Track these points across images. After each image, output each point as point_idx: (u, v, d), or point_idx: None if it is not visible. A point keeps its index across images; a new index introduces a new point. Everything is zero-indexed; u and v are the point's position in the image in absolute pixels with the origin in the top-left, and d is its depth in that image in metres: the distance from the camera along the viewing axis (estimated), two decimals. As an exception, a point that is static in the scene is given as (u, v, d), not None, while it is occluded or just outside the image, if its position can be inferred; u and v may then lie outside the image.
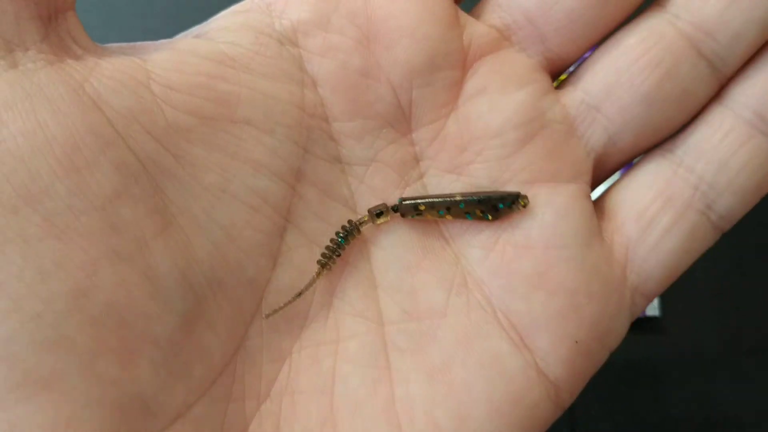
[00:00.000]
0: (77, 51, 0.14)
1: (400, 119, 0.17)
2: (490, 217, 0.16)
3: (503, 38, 0.17)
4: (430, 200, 0.16)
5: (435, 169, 0.17)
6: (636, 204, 0.17)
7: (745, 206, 0.16)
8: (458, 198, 0.16)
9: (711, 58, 0.16)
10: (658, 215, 0.16)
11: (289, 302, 0.16)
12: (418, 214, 0.16)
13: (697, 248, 0.17)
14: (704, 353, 0.32)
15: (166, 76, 0.15)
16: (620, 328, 0.17)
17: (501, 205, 0.16)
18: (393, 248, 0.17)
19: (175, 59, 0.15)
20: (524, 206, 0.16)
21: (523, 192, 0.16)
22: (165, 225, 0.14)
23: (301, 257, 0.16)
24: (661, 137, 0.17)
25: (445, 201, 0.16)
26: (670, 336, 0.32)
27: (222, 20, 0.16)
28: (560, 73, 0.18)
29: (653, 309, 0.32)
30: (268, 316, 0.16)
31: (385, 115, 0.16)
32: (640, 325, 0.32)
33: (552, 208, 0.16)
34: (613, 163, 0.17)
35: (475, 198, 0.16)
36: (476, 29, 0.17)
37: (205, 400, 0.15)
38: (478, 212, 0.16)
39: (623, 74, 0.16)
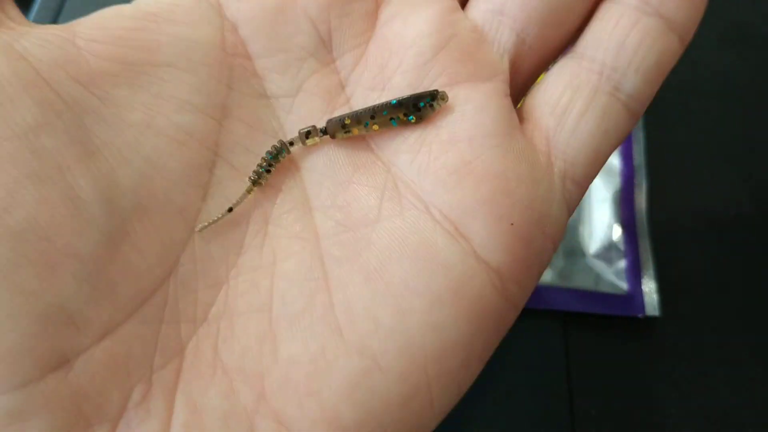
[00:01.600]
0: (11, 24, 0.15)
1: (321, 50, 0.18)
2: (414, 119, 0.17)
3: None
4: (354, 113, 0.17)
5: (360, 90, 0.18)
6: (549, 98, 0.18)
7: (650, 84, 0.18)
8: (380, 105, 0.17)
9: None
10: (571, 103, 0.17)
11: (221, 217, 0.16)
12: (346, 132, 0.17)
13: (614, 129, 0.17)
14: (704, 353, 0.32)
15: (90, 33, 0.16)
16: (557, 213, 0.17)
17: (422, 104, 0.17)
18: (324, 168, 0.17)
19: (100, 20, 0.16)
20: (444, 100, 0.17)
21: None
22: (87, 154, 0.15)
23: (232, 188, 0.17)
24: (564, 30, 0.18)
25: (368, 110, 0.17)
26: (670, 336, 0.32)
27: None
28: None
29: (653, 309, 0.32)
30: (200, 229, 0.16)
31: (306, 47, 0.18)
32: (640, 325, 0.32)
33: (472, 104, 0.17)
34: (528, 65, 0.18)
35: (396, 101, 0.17)
36: None
37: (134, 319, 0.15)
38: (401, 116, 0.17)
39: None
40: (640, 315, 0.32)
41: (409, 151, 0.17)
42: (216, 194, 0.17)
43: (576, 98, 0.17)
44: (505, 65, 0.18)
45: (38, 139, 0.14)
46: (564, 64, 0.18)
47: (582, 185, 0.18)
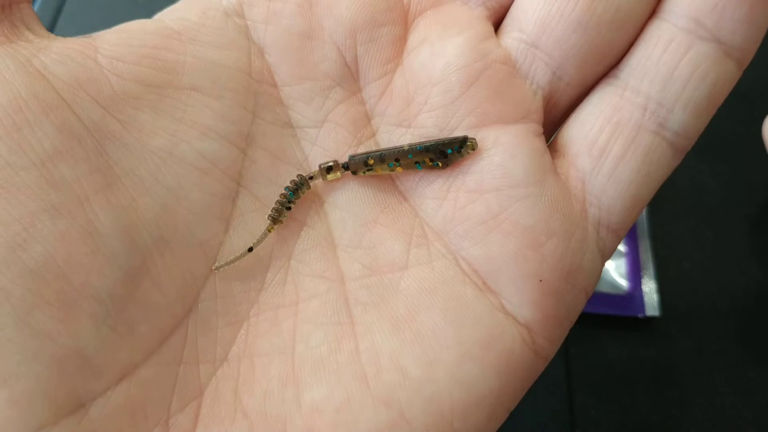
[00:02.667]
0: (29, 36, 0.15)
1: (348, 78, 0.17)
2: (440, 165, 0.16)
3: None
4: (378, 153, 0.16)
5: (386, 125, 0.17)
6: (586, 135, 0.16)
7: (700, 119, 0.16)
8: (406, 148, 0.16)
9: None
10: (609, 143, 0.16)
11: (239, 257, 0.16)
12: (369, 170, 0.16)
13: (657, 171, 0.16)
14: (704, 353, 0.32)
15: (112, 50, 0.15)
16: (589, 265, 0.16)
17: (449, 150, 0.16)
18: (349, 206, 0.17)
19: (123, 35, 0.16)
20: (473, 149, 0.16)
21: (470, 136, 0.16)
22: (108, 184, 0.14)
23: (255, 221, 0.16)
24: (606, 64, 0.17)
25: (393, 152, 0.16)
26: (670, 336, 0.32)
27: (174, 5, 0.17)
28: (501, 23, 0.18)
29: (653, 309, 0.32)
30: (216, 268, 0.16)
31: (332, 74, 0.17)
32: (640, 325, 0.32)
33: (500, 149, 0.16)
34: (564, 101, 0.17)
35: (423, 146, 0.16)
36: None
37: (153, 360, 0.14)
38: (427, 161, 0.16)
39: (552, 5, 0.16)
40: (640, 315, 0.32)
41: (434, 197, 0.16)
42: (238, 227, 0.16)
43: (616, 137, 0.16)
44: (538, 103, 0.17)
45: (57, 168, 0.13)
46: (604, 92, 0.16)
47: (619, 233, 0.16)
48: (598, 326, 0.32)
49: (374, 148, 0.17)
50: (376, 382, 0.15)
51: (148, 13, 0.16)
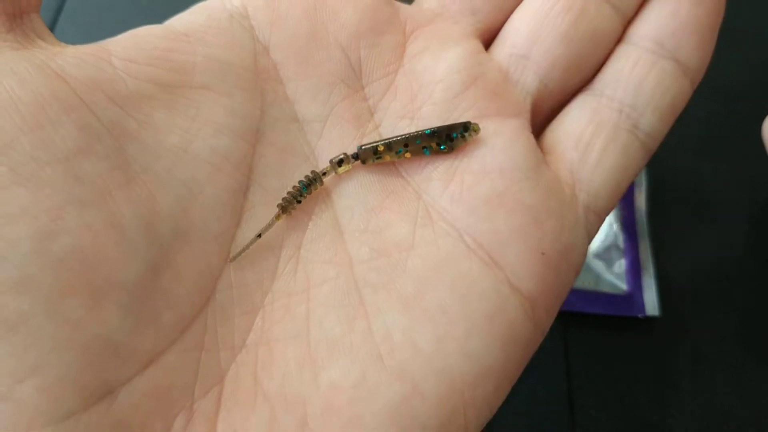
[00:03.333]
0: (41, 44, 0.15)
1: (352, 76, 0.18)
2: (446, 149, 0.17)
3: (436, 15, 0.19)
4: (388, 140, 0.17)
5: (389, 118, 0.18)
6: (572, 133, 0.18)
7: (665, 123, 0.19)
8: (414, 134, 0.17)
9: (612, 1, 0.19)
10: (593, 138, 0.18)
11: (250, 244, 0.16)
12: (378, 158, 0.17)
13: (633, 165, 0.18)
14: (704, 353, 0.32)
15: (125, 53, 0.16)
16: (580, 244, 0.18)
17: (455, 135, 0.17)
18: (355, 194, 0.18)
19: (134, 39, 0.16)
20: (476, 132, 0.17)
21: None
22: (128, 180, 0.15)
23: (266, 213, 0.17)
24: (583, 76, 0.19)
25: (402, 138, 0.17)
26: (670, 336, 0.32)
27: (178, 15, 0.17)
28: (491, 43, 0.20)
29: (653, 309, 0.32)
30: (232, 259, 0.16)
31: (337, 72, 0.18)
32: (640, 325, 0.32)
33: (501, 137, 0.18)
34: (548, 107, 0.19)
35: (429, 131, 0.17)
36: (409, 10, 0.19)
37: (176, 347, 0.15)
38: (434, 145, 0.17)
39: (544, 20, 0.19)
40: (640, 315, 0.32)
41: (440, 179, 0.17)
42: (250, 220, 0.17)
43: (598, 132, 0.18)
44: (527, 106, 0.19)
45: (80, 164, 0.14)
46: (584, 100, 0.19)
47: (601, 217, 0.18)
48: (598, 326, 0.32)
49: (383, 138, 0.18)
50: (389, 359, 0.15)
51: (149, 14, 0.17)
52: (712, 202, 0.35)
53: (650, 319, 0.32)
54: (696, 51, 0.18)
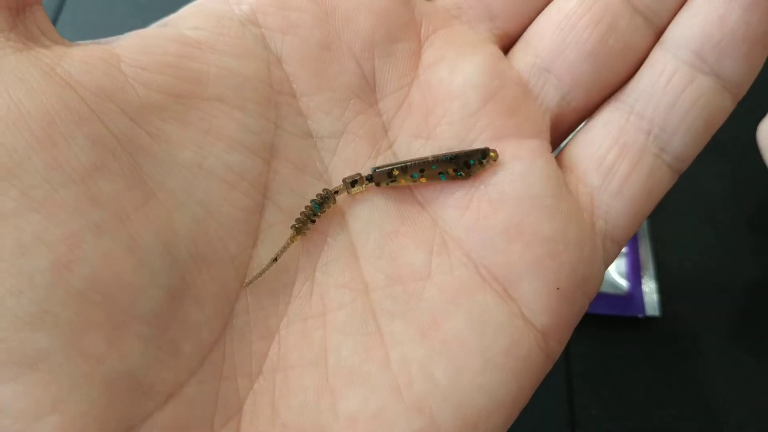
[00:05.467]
0: (45, 42, 0.14)
1: (366, 90, 0.17)
2: (463, 175, 0.17)
3: (453, 17, 0.18)
4: (403, 164, 0.17)
5: (403, 137, 0.17)
6: (594, 154, 0.17)
7: (697, 145, 0.17)
8: (430, 159, 0.17)
9: (645, 12, 0.17)
10: (617, 162, 0.17)
11: (266, 268, 0.16)
12: (392, 181, 0.17)
13: (657, 191, 0.17)
14: (704, 353, 0.32)
15: (135, 58, 0.15)
16: (597, 274, 0.17)
17: (472, 161, 0.17)
18: (370, 218, 0.17)
19: (142, 43, 0.15)
20: (494, 160, 0.17)
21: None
22: (145, 199, 0.14)
23: (281, 233, 0.16)
24: (609, 92, 0.18)
25: (418, 163, 0.17)
26: (670, 336, 0.32)
27: (182, 12, 0.16)
28: (508, 50, 0.19)
29: (653, 309, 0.32)
30: (248, 284, 0.16)
31: (351, 86, 0.17)
32: (640, 325, 0.32)
33: (520, 161, 0.17)
34: (568, 123, 0.18)
35: (447, 157, 0.17)
36: (426, 7, 0.18)
37: (196, 378, 0.14)
38: (450, 171, 0.17)
39: (568, 34, 0.17)
40: (640, 315, 0.32)
41: (456, 206, 0.17)
42: (266, 240, 0.16)
43: (623, 157, 0.17)
44: (546, 123, 0.18)
45: (96, 184, 0.13)
46: (611, 114, 0.18)
47: (620, 244, 0.17)
48: (598, 326, 0.32)
49: (392, 160, 0.17)
50: (408, 391, 0.15)
51: (149, 14, 0.16)
52: (712, 202, 0.35)
53: (650, 319, 0.32)
54: (743, 63, 0.16)
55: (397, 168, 0.17)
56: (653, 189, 0.17)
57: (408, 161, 0.17)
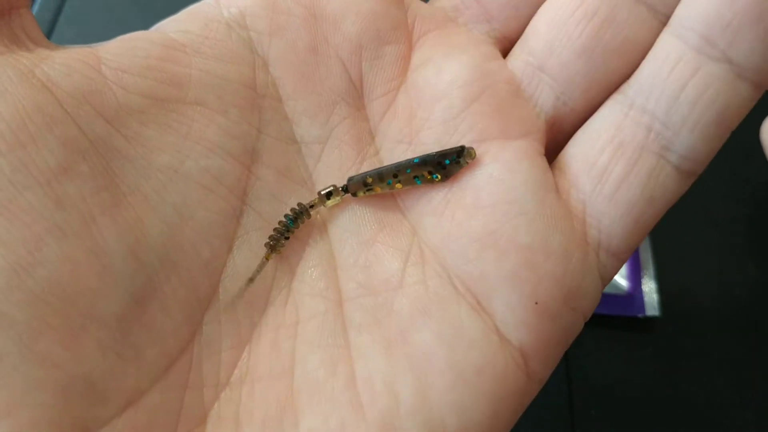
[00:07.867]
0: (29, 45, 0.14)
1: (353, 94, 0.17)
2: (439, 177, 0.16)
3: (450, 18, 0.18)
4: (376, 171, 0.16)
5: (388, 142, 0.17)
6: (587, 154, 0.16)
7: (710, 143, 0.15)
8: (403, 163, 0.16)
9: (648, 1, 0.16)
10: (610, 164, 0.15)
11: (243, 290, 0.15)
12: (369, 189, 0.16)
13: (661, 196, 0.15)
14: (704, 353, 0.32)
15: (116, 60, 0.15)
16: (590, 288, 0.15)
17: (447, 161, 0.16)
18: (349, 225, 0.16)
19: (126, 46, 0.15)
20: (472, 158, 0.16)
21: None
22: (114, 203, 0.14)
23: (259, 240, 0.16)
24: (611, 91, 0.16)
25: (391, 169, 0.16)
26: (670, 336, 0.32)
27: (177, 15, 0.16)
28: (507, 52, 0.18)
29: (653, 309, 0.32)
30: (226, 305, 0.15)
31: (337, 90, 0.17)
32: (640, 325, 0.32)
33: (500, 164, 0.16)
34: (570, 126, 0.17)
35: (420, 159, 0.16)
36: (421, 8, 0.18)
37: (159, 386, 0.14)
38: (426, 174, 0.16)
39: (561, 29, 0.16)
40: (640, 315, 0.32)
41: (433, 213, 0.16)
42: (243, 246, 0.16)
43: (617, 159, 0.15)
44: (541, 124, 0.16)
45: (62, 187, 0.13)
46: (611, 109, 0.16)
47: (620, 257, 0.16)
48: (598, 326, 0.32)
49: (378, 166, 0.17)
50: (370, 409, 0.14)
51: (148, 15, 0.16)
52: (712, 202, 0.35)
53: (650, 319, 0.32)
54: (759, 46, 0.14)
55: (370, 176, 0.16)
56: (655, 193, 0.15)
57: (381, 168, 0.16)
